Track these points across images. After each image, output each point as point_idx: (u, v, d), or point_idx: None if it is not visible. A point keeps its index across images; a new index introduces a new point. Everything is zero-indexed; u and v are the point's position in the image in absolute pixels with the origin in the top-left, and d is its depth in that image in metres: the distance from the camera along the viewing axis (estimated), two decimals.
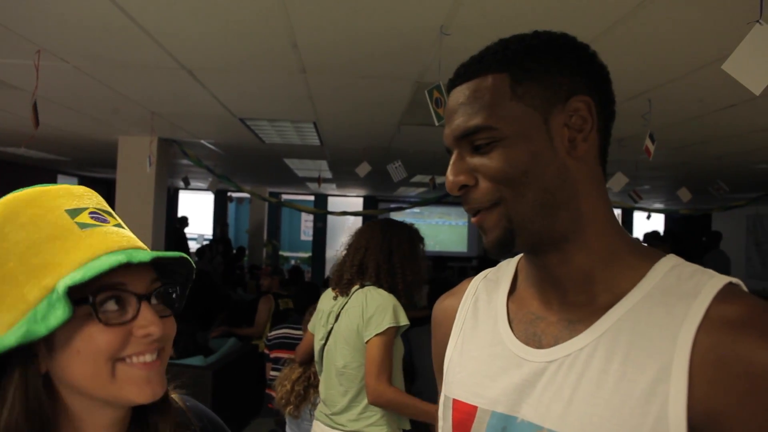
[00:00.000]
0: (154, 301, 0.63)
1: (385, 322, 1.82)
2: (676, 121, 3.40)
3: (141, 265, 0.60)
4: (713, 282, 0.57)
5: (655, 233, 7.61)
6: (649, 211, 7.42)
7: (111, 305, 0.59)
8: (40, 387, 0.57)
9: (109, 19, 2.02)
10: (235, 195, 11.05)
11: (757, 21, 1.27)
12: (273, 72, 2.69)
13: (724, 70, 1.35)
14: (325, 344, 1.96)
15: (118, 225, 0.65)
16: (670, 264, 0.61)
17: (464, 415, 0.67)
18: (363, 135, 4.47)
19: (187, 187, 9.59)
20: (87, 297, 0.57)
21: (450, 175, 0.64)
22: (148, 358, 0.60)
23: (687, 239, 9.03)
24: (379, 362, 1.79)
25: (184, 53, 2.45)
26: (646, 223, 10.26)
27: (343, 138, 4.64)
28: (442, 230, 13.27)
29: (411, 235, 2.02)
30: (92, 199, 0.65)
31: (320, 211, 8.19)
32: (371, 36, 2.11)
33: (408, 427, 1.93)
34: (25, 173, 7.48)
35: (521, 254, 0.74)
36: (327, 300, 2.03)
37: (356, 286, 1.93)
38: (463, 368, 0.70)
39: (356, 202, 12.52)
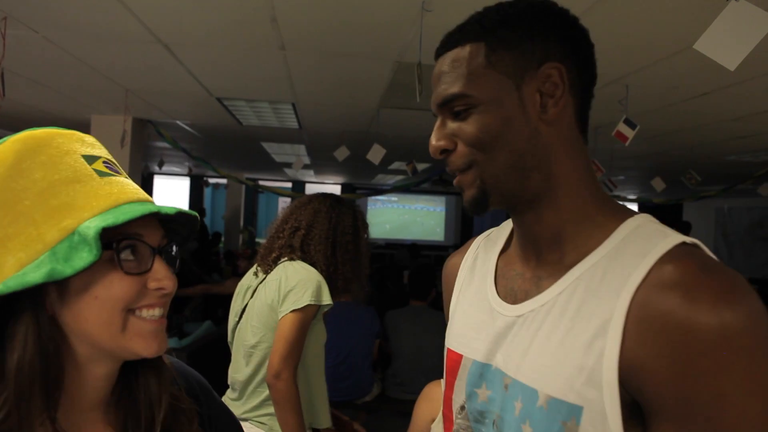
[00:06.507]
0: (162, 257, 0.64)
1: (305, 298, 1.55)
2: (652, 109, 3.46)
3: (152, 221, 0.62)
4: (665, 243, 0.58)
5: None
6: (622, 200, 7.54)
7: (128, 255, 0.59)
8: (52, 328, 0.57)
9: None
10: (211, 180, 10.91)
11: None
12: (251, 48, 2.65)
13: (699, 55, 1.38)
14: (238, 322, 1.75)
15: (128, 179, 0.66)
16: (635, 223, 0.63)
17: (453, 362, 0.74)
18: (342, 118, 4.44)
19: (161, 170, 9.45)
20: (110, 243, 0.57)
21: (432, 139, 0.68)
22: (156, 312, 0.62)
23: None
24: (291, 342, 1.53)
25: (160, 25, 2.39)
26: None
27: (322, 121, 4.61)
28: (420, 217, 13.32)
29: (356, 222, 1.78)
30: (102, 150, 0.66)
31: (297, 194, 8.15)
32: (351, 10, 2.09)
33: (327, 424, 1.71)
34: None
35: None
36: (248, 276, 1.81)
37: (284, 259, 1.69)
38: (457, 321, 0.77)
39: (334, 190, 12.49)
